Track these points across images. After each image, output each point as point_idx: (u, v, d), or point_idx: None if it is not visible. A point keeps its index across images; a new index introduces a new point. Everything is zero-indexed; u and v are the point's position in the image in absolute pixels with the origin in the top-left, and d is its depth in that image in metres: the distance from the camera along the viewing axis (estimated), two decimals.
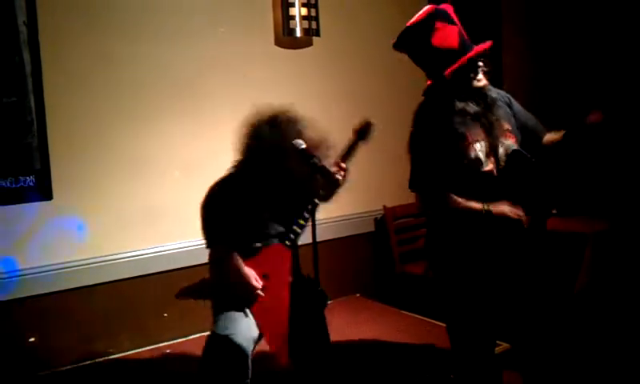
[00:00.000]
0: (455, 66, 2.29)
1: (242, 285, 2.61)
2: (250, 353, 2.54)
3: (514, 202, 2.32)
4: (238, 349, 2.49)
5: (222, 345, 2.51)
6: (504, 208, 2.29)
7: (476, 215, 2.29)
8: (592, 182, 4.77)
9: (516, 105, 2.51)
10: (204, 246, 2.69)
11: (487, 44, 2.35)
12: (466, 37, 2.36)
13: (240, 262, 2.62)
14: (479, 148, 2.31)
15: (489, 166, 2.32)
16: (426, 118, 2.41)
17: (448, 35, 2.32)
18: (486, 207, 2.28)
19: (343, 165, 2.67)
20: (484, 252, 2.35)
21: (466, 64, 2.30)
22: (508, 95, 2.52)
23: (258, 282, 2.62)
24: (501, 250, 2.35)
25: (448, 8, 2.37)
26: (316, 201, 2.58)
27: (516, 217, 2.29)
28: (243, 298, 2.62)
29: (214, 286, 2.73)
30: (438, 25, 2.32)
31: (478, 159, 2.31)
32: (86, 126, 3.37)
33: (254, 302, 2.62)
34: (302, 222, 2.68)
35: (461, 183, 2.32)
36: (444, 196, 2.34)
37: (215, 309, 2.68)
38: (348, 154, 2.71)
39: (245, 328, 2.55)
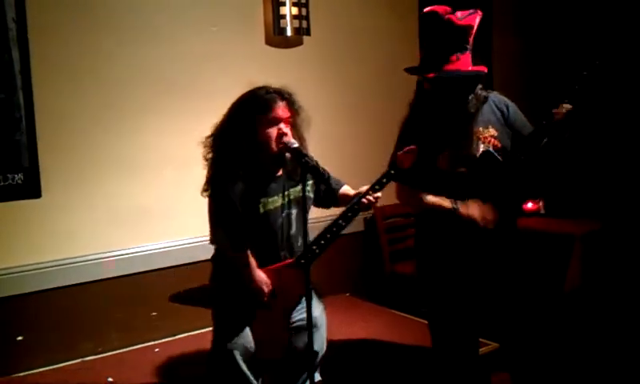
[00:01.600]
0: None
1: (253, 288, 2.41)
2: (253, 362, 2.44)
3: (483, 200, 2.35)
4: (242, 361, 2.41)
5: (225, 358, 2.40)
6: (473, 212, 2.32)
7: (446, 213, 2.34)
8: (581, 183, 4.80)
9: (513, 113, 2.49)
10: (208, 241, 2.49)
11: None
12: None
13: (253, 261, 2.42)
14: (453, 152, 2.36)
15: (461, 169, 2.37)
16: (412, 117, 2.47)
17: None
18: (455, 206, 2.32)
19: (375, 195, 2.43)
20: (459, 247, 2.39)
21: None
22: (507, 103, 2.51)
23: (267, 289, 2.43)
24: (473, 246, 2.39)
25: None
26: (341, 222, 2.44)
27: (483, 224, 2.32)
28: (249, 303, 2.43)
29: (216, 290, 2.54)
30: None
31: (451, 162, 2.36)
32: (75, 124, 3.35)
33: (258, 312, 2.43)
34: (322, 242, 2.46)
35: (434, 181, 2.38)
36: (418, 192, 2.40)
37: (216, 317, 2.53)
38: (379, 185, 2.43)
39: (247, 336, 2.43)
